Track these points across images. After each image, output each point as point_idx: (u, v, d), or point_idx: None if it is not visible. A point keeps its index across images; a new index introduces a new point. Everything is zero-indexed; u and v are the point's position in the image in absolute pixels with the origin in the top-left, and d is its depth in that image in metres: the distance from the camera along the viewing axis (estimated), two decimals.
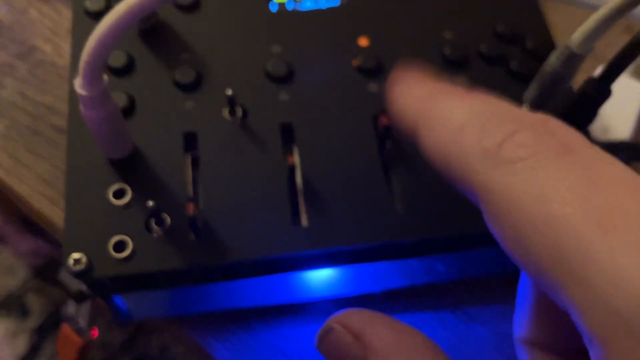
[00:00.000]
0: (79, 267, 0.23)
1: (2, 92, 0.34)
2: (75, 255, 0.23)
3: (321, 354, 0.17)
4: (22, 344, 0.79)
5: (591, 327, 0.12)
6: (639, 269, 0.11)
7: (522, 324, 0.17)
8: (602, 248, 0.12)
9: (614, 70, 0.22)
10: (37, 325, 0.80)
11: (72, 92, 0.27)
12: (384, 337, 0.16)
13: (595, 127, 0.33)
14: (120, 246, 0.24)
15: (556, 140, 0.14)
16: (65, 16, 0.37)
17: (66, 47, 0.36)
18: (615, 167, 0.13)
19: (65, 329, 0.30)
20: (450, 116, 0.16)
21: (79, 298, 0.27)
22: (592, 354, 0.12)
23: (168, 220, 0.24)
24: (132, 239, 0.24)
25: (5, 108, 0.34)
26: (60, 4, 0.37)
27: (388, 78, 0.19)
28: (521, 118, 0.15)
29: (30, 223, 0.83)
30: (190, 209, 0.23)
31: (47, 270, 0.83)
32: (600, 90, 0.23)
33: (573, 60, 0.24)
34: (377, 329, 0.16)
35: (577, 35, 0.23)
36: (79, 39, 0.28)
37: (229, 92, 0.26)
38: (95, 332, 0.30)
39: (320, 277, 0.28)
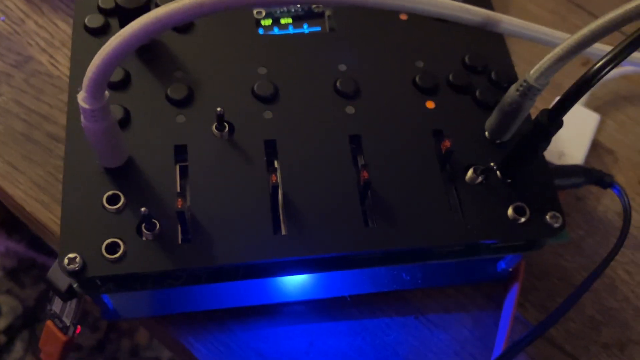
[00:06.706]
0: (73, 266, 0.24)
1: None
2: (71, 255, 0.25)
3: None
4: None
5: None
6: None
7: None
8: None
9: (565, 104, 0.25)
10: (6, 326, 0.80)
11: (70, 103, 0.28)
12: None
13: (552, 153, 0.36)
14: (112, 248, 0.25)
15: None
16: (60, 28, 0.38)
17: (61, 58, 0.37)
18: None
19: (50, 326, 0.30)
20: None
21: (67, 296, 0.28)
22: None
23: (158, 225, 0.26)
24: (124, 242, 0.25)
25: (0, 115, 0.35)
26: (56, 16, 0.38)
27: None
28: None
29: (1, 225, 0.83)
30: (179, 203, 0.25)
31: (17, 271, 0.83)
32: (552, 121, 0.25)
33: (530, 92, 0.27)
34: None
35: (534, 71, 0.26)
36: (78, 52, 0.30)
37: (219, 109, 0.27)
38: (78, 330, 0.30)
39: (296, 281, 0.30)
